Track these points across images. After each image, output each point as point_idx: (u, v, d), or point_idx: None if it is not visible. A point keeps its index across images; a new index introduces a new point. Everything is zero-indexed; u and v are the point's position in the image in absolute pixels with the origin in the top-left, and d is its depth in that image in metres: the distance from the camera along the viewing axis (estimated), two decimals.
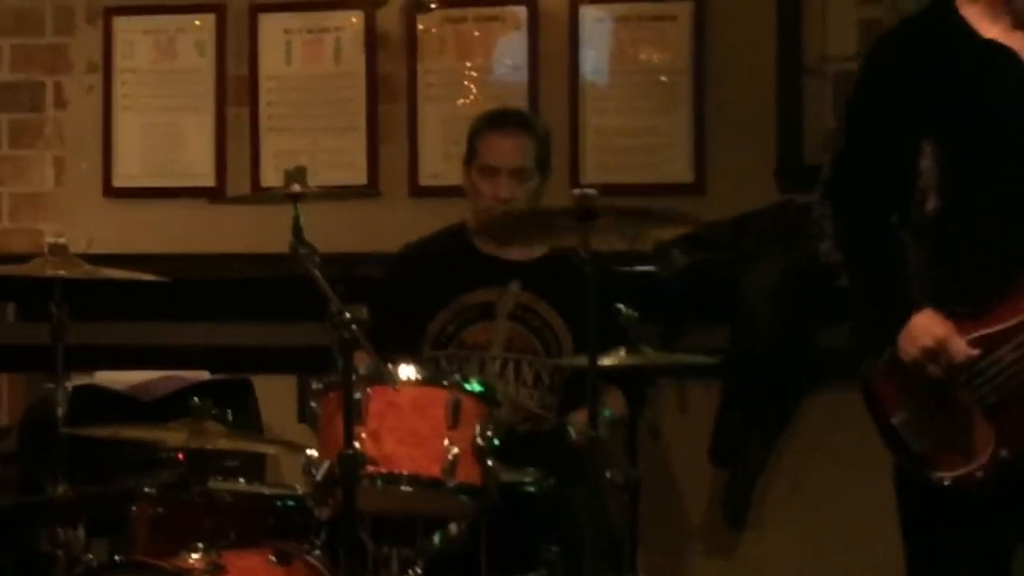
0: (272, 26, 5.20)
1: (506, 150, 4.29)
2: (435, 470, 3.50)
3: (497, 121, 4.39)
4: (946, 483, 3.34)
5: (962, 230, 3.35)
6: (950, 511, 3.37)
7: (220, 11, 5.23)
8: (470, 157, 4.36)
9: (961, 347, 3.30)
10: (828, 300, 4.70)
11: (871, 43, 3.62)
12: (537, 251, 4.31)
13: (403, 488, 3.51)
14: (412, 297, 4.29)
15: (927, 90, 3.38)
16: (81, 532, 3.95)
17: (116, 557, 3.85)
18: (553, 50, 5.02)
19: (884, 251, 3.43)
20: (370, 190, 5.08)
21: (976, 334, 3.30)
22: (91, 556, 3.93)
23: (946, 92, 3.37)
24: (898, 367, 3.37)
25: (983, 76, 3.37)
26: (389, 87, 5.14)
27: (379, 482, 3.47)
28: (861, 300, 3.51)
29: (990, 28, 3.38)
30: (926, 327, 3.32)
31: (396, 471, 3.50)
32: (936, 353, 3.30)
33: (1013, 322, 3.29)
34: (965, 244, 3.35)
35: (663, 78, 4.97)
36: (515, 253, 4.34)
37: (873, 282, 3.46)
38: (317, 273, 3.48)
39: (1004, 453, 3.28)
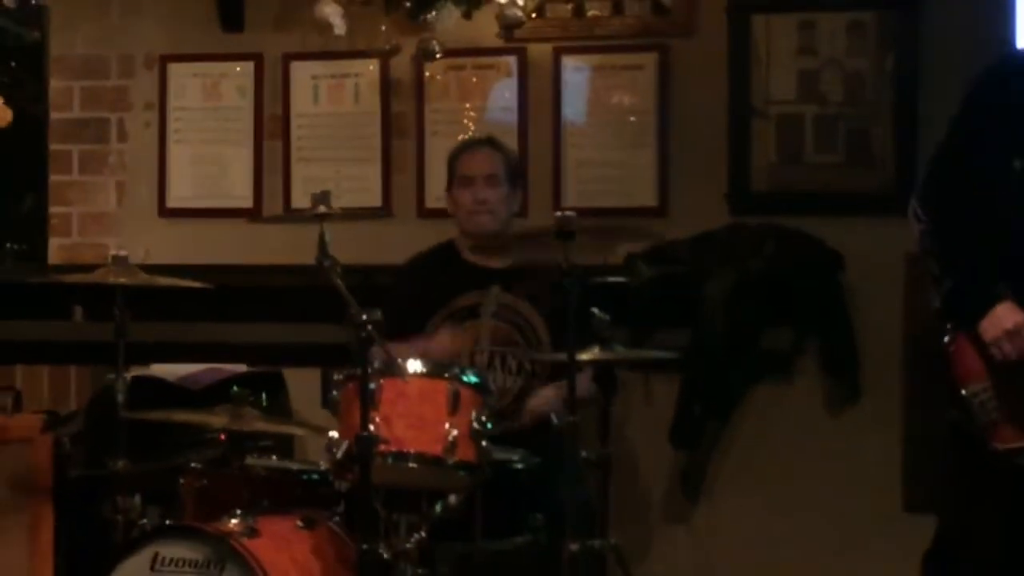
0: (302, 72, 5.20)
1: (479, 161, 4.35)
2: (437, 450, 3.50)
3: (470, 144, 4.50)
4: (1000, 450, 3.34)
5: None
6: (998, 476, 3.37)
7: (258, 59, 5.23)
8: (451, 179, 4.41)
9: None
10: (770, 309, 4.76)
11: (977, 74, 3.51)
12: (513, 259, 4.33)
13: (410, 465, 3.50)
14: (414, 301, 4.28)
15: (1019, 117, 3.37)
16: (138, 501, 3.93)
17: (167, 522, 3.82)
18: (539, 94, 5.02)
19: (974, 248, 3.42)
20: (384, 212, 5.08)
21: None
22: (146, 521, 3.89)
23: None
24: (977, 350, 3.38)
25: None
26: (401, 124, 5.14)
27: (390, 459, 3.47)
28: (953, 284, 3.46)
29: None
30: (1008, 313, 3.35)
31: (404, 450, 3.49)
32: (1014, 334, 3.33)
33: None
34: None
35: (632, 118, 4.96)
36: (495, 261, 4.35)
37: (964, 271, 3.43)
38: (339, 282, 3.47)
39: None
